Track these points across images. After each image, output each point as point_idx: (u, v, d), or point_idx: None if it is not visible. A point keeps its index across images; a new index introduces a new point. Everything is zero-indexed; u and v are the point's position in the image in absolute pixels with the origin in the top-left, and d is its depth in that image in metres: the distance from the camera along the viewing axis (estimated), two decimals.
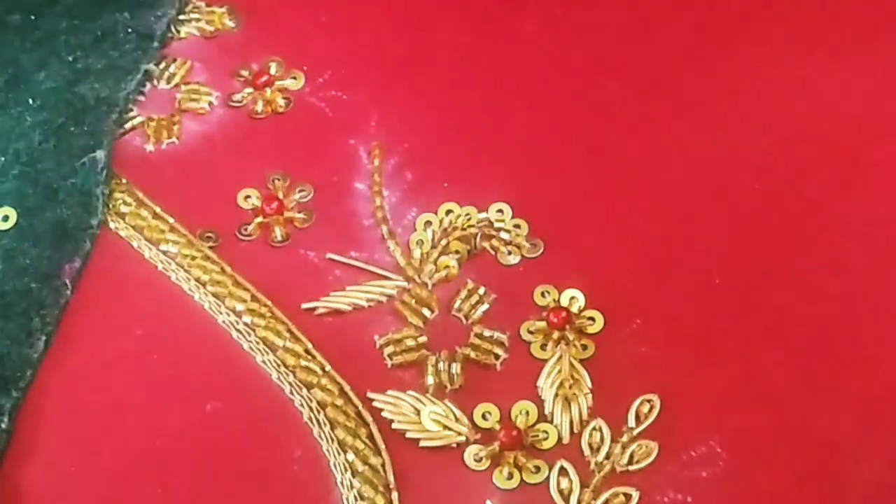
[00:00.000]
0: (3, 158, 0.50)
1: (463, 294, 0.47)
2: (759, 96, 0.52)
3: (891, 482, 0.41)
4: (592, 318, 0.46)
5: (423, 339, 0.46)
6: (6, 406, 0.44)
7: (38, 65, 0.52)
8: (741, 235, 0.48)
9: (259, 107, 0.54)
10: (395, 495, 0.42)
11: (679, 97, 0.53)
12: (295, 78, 0.55)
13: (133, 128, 0.53)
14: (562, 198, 0.50)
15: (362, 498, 0.42)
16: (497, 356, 0.46)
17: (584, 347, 0.46)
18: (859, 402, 0.43)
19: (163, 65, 0.55)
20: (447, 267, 0.48)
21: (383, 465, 0.43)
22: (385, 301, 0.48)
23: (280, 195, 0.51)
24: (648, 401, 0.44)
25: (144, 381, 0.45)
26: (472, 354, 0.46)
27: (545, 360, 0.45)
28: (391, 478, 0.43)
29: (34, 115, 0.51)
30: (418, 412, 0.44)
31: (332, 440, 0.44)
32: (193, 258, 0.49)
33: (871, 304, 0.45)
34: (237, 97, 0.54)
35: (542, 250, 0.49)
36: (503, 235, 0.49)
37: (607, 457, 0.43)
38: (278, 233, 0.50)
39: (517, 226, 0.49)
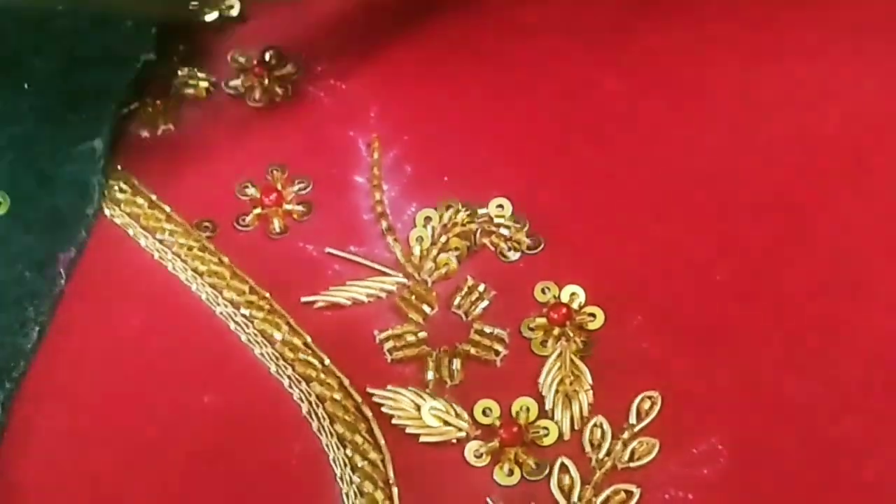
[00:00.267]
0: None
1: (463, 291, 0.47)
2: (760, 91, 0.52)
3: (893, 481, 0.41)
4: (593, 315, 0.46)
5: (423, 334, 0.46)
6: None
7: (34, 50, 0.51)
8: (743, 232, 0.48)
9: (257, 95, 0.53)
10: (394, 491, 0.42)
11: (680, 93, 0.53)
12: (293, 66, 0.54)
13: (129, 113, 0.52)
14: (562, 194, 0.50)
15: (362, 493, 0.42)
16: (497, 352, 0.45)
17: (585, 344, 0.45)
18: (862, 400, 0.43)
19: (160, 51, 0.54)
20: (447, 264, 0.48)
21: (383, 461, 0.43)
22: (385, 297, 0.47)
23: (279, 186, 0.50)
24: (649, 397, 0.44)
25: (140, 373, 0.44)
26: (473, 351, 0.45)
27: (546, 357, 0.45)
28: (391, 473, 0.42)
29: (30, 100, 0.50)
30: (418, 408, 0.44)
31: (332, 435, 0.43)
32: (190, 248, 0.48)
33: (875, 302, 0.45)
34: (235, 84, 0.54)
35: (542, 246, 0.48)
36: (503, 231, 0.49)
37: (608, 454, 0.43)
38: (277, 225, 0.49)
39: (517, 222, 0.49)
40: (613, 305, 0.46)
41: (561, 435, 0.43)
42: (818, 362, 0.44)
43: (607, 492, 0.42)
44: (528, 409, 0.44)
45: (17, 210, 0.47)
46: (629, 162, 0.51)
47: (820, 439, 0.42)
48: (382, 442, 0.43)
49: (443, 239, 0.49)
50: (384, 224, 0.49)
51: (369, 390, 0.44)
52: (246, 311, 0.46)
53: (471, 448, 0.43)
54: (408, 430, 0.43)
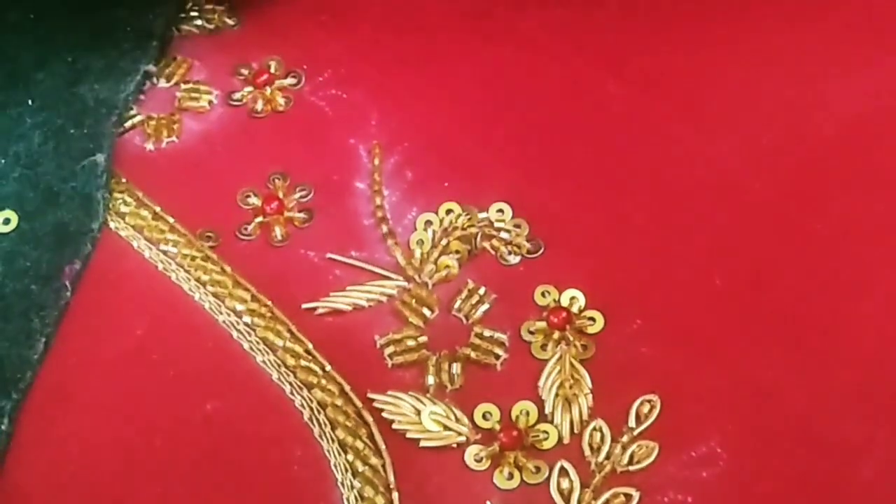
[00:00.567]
0: (2, 160, 0.50)
1: (463, 294, 0.47)
2: (760, 94, 0.52)
3: (891, 482, 0.41)
4: (593, 319, 0.46)
5: (423, 338, 0.46)
6: (6, 408, 0.44)
7: (37, 64, 0.52)
8: (742, 235, 0.48)
9: (259, 105, 0.54)
10: (395, 496, 0.42)
11: (680, 96, 0.52)
12: (295, 77, 0.55)
13: (133, 126, 0.53)
14: (562, 198, 0.50)
15: (363, 498, 0.42)
16: (497, 356, 0.46)
17: (585, 348, 0.45)
18: (860, 403, 0.43)
19: (162, 63, 0.55)
20: (447, 267, 0.48)
21: (384, 466, 0.43)
22: (385, 301, 0.47)
23: (280, 195, 0.51)
24: (649, 401, 0.44)
25: (144, 382, 0.45)
26: (473, 354, 0.46)
27: (545, 361, 0.45)
28: (391, 478, 0.43)
29: (33, 115, 0.50)
30: (419, 412, 0.44)
31: (333, 440, 0.44)
32: (193, 258, 0.49)
33: (873, 304, 0.45)
34: (237, 96, 0.54)
35: (542, 250, 0.48)
36: (503, 235, 0.49)
37: (608, 457, 0.43)
38: (278, 232, 0.50)
39: (517, 225, 0.49)
40: (613, 309, 0.46)
41: (560, 438, 0.43)
42: (817, 365, 0.44)
43: (607, 495, 0.42)
44: (527, 413, 0.44)
45: (25, 226, 0.48)
46: (629, 166, 0.50)
47: (818, 441, 0.42)
48: (383, 447, 0.43)
49: (443, 242, 0.49)
50: (385, 228, 0.49)
51: (370, 395, 0.45)
52: (248, 320, 0.47)
53: (471, 452, 0.43)
54: (408, 435, 0.44)
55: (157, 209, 0.50)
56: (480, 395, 0.45)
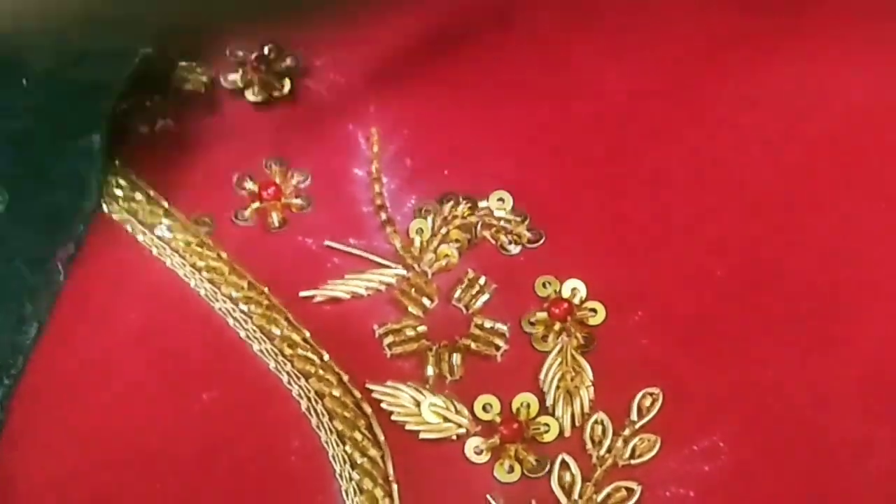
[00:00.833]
0: None
1: (463, 284, 0.47)
2: (761, 89, 0.52)
3: (893, 479, 0.41)
4: (594, 310, 0.46)
5: (422, 328, 0.46)
6: None
7: (31, 44, 0.51)
8: (744, 227, 0.48)
9: (255, 89, 0.53)
10: (394, 488, 0.42)
11: (682, 89, 0.52)
12: (292, 60, 0.54)
13: (127, 108, 0.52)
14: (563, 187, 0.49)
15: (361, 490, 0.42)
16: (498, 347, 0.45)
17: (586, 339, 0.45)
18: (864, 397, 0.43)
19: (158, 45, 0.54)
20: (447, 255, 0.48)
21: (382, 457, 0.42)
22: (384, 290, 0.47)
23: (277, 180, 0.50)
24: (651, 394, 0.44)
25: (139, 369, 0.44)
26: (473, 345, 0.45)
27: (546, 352, 0.45)
28: (390, 470, 0.42)
29: (27, 96, 0.49)
30: (418, 403, 0.44)
31: (331, 431, 0.43)
32: (188, 243, 0.48)
33: (876, 300, 0.45)
34: (233, 78, 0.53)
35: (543, 240, 0.48)
36: (504, 225, 0.48)
37: (609, 450, 0.43)
38: (275, 218, 0.49)
39: (518, 215, 0.49)
40: (615, 301, 0.46)
41: (562, 431, 0.43)
42: (820, 360, 0.44)
43: (608, 489, 0.42)
44: (528, 406, 0.44)
45: (16, 207, 0.47)
46: (631, 157, 0.50)
47: (821, 436, 0.42)
48: (382, 438, 0.43)
49: (443, 231, 0.48)
50: (383, 216, 0.49)
51: (368, 386, 0.44)
52: (245, 307, 0.46)
53: (471, 445, 0.43)
54: (407, 427, 0.43)
55: (151, 193, 0.49)
56: (481, 387, 0.44)
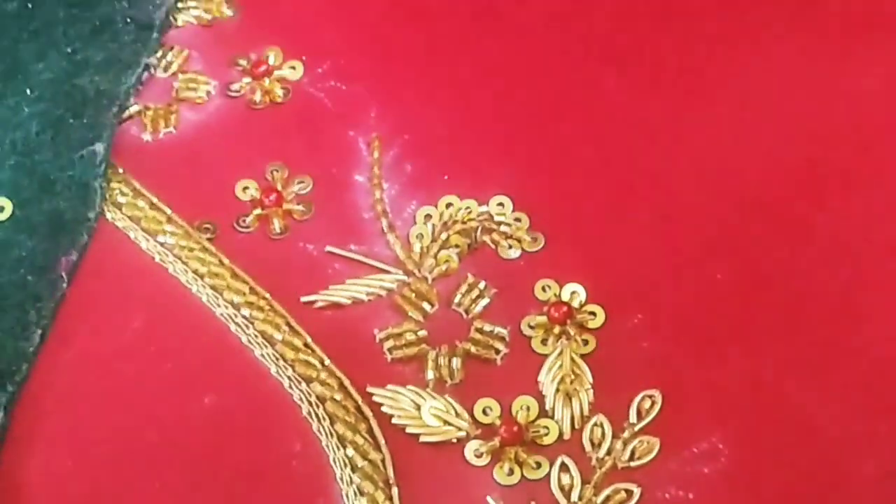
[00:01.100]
0: None
1: (463, 288, 0.47)
2: (762, 90, 0.52)
3: (893, 477, 0.41)
4: (593, 313, 0.46)
5: (423, 333, 0.46)
6: (1, 400, 0.43)
7: (37, 56, 0.51)
8: (743, 230, 0.48)
9: (257, 97, 0.53)
10: (394, 491, 0.42)
11: (681, 91, 0.52)
12: (294, 68, 0.54)
13: (130, 117, 0.52)
14: (563, 191, 0.50)
15: (362, 493, 0.42)
16: (497, 351, 0.45)
17: (586, 342, 0.45)
18: (862, 398, 0.43)
19: (160, 53, 0.54)
20: (447, 261, 0.48)
21: (383, 461, 0.43)
22: (385, 295, 0.47)
23: (279, 187, 0.50)
24: (650, 396, 0.44)
25: (141, 375, 0.45)
26: (473, 349, 0.45)
27: (546, 356, 0.45)
28: (391, 473, 0.42)
29: (32, 105, 0.50)
30: (418, 407, 0.44)
31: (332, 435, 0.43)
32: (191, 250, 0.48)
33: (875, 300, 0.45)
34: (235, 87, 0.54)
35: (542, 244, 0.48)
36: (504, 229, 0.49)
37: (608, 453, 0.43)
38: (277, 225, 0.49)
39: (518, 219, 0.49)
40: (614, 304, 0.46)
41: (561, 434, 0.43)
42: (818, 360, 0.44)
43: (607, 491, 0.42)
44: (528, 408, 0.44)
45: (20, 214, 0.48)
46: (630, 160, 0.50)
47: (820, 437, 0.42)
48: (382, 442, 0.43)
49: (443, 236, 0.49)
50: (384, 222, 0.49)
51: (369, 390, 0.44)
52: (246, 312, 0.46)
53: (471, 447, 0.43)
54: (408, 430, 0.43)
55: (154, 200, 0.50)
56: (481, 390, 0.44)
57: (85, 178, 0.48)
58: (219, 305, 0.47)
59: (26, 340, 0.45)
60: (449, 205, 0.49)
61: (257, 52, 0.55)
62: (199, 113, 0.53)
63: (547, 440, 0.43)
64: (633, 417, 0.43)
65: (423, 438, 0.43)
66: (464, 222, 0.49)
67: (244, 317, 0.46)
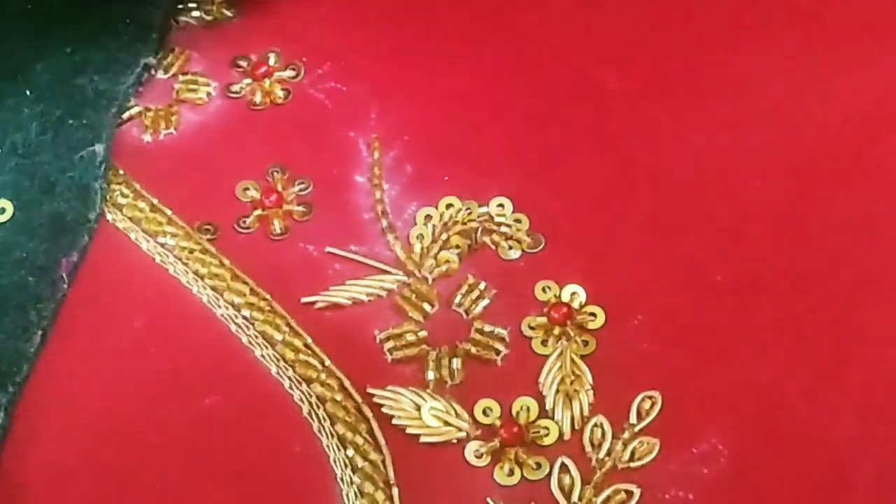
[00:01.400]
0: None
1: (463, 289, 0.47)
2: (760, 91, 0.52)
3: (892, 479, 0.41)
4: (594, 314, 0.46)
5: (423, 333, 0.46)
6: (2, 401, 0.43)
7: (36, 56, 0.51)
8: (743, 231, 0.48)
9: (258, 98, 0.53)
10: (395, 491, 0.42)
11: (681, 92, 0.52)
12: (294, 69, 0.54)
13: (131, 118, 0.52)
14: (563, 192, 0.50)
15: (362, 494, 0.42)
16: (498, 352, 0.45)
17: (586, 343, 0.45)
18: (861, 399, 0.43)
19: (160, 54, 0.54)
20: (447, 261, 0.48)
21: (383, 461, 0.43)
22: (385, 295, 0.47)
23: (279, 188, 0.50)
24: (650, 397, 0.44)
25: (142, 376, 0.45)
26: (473, 350, 0.45)
27: (546, 356, 0.45)
28: (391, 474, 0.42)
29: (32, 106, 0.50)
30: (419, 408, 0.44)
31: (332, 435, 0.43)
32: (191, 251, 0.48)
33: (874, 301, 0.45)
34: (235, 88, 0.54)
35: (542, 245, 0.48)
36: (504, 230, 0.49)
37: (608, 453, 0.43)
38: (277, 226, 0.49)
39: (518, 220, 0.49)
40: (614, 305, 0.46)
41: (561, 435, 0.43)
42: (817, 362, 0.44)
43: (607, 492, 0.42)
44: (528, 409, 0.44)
45: (21, 216, 0.48)
46: (630, 162, 0.50)
47: (819, 438, 0.42)
48: (383, 442, 0.43)
49: (443, 237, 0.49)
50: (384, 223, 0.49)
51: (370, 391, 0.44)
52: (246, 313, 0.47)
53: (471, 448, 0.43)
54: (408, 431, 0.43)
55: (155, 201, 0.50)
56: (481, 391, 0.44)
57: (85, 179, 0.48)
58: (219, 306, 0.47)
59: (27, 341, 0.45)
60: (449, 205, 0.49)
61: (258, 54, 0.55)
62: (199, 114, 0.53)
63: (547, 441, 0.43)
64: (633, 418, 0.43)
65: (423, 439, 0.43)
66: (464, 223, 0.49)
67: (244, 317, 0.46)
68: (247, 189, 0.50)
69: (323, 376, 0.45)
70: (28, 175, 0.49)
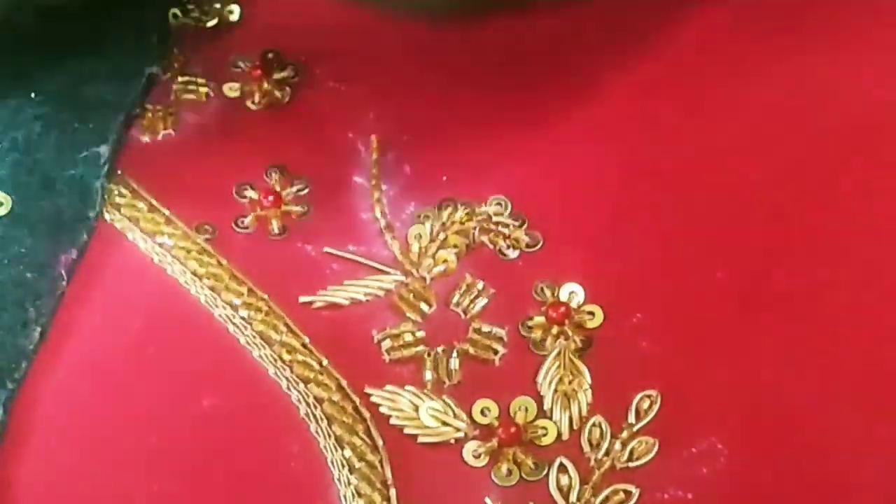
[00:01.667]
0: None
1: (461, 289, 0.47)
2: (761, 87, 0.52)
3: (892, 480, 0.40)
4: (592, 313, 0.46)
5: (421, 333, 0.46)
6: (1, 398, 0.43)
7: (43, 67, 0.51)
8: (743, 230, 0.47)
9: (256, 98, 0.53)
10: (392, 492, 0.42)
11: (681, 92, 0.52)
12: (292, 70, 0.54)
13: (130, 118, 0.52)
14: (561, 192, 0.50)
15: (359, 494, 0.42)
16: (496, 352, 0.45)
17: (584, 342, 0.45)
18: (862, 399, 0.42)
19: (160, 57, 0.55)
20: (445, 261, 0.48)
21: (381, 462, 0.42)
22: (383, 295, 0.47)
23: (277, 188, 0.50)
24: (649, 396, 0.43)
25: (139, 375, 0.45)
26: (471, 350, 0.45)
27: (544, 356, 0.45)
28: (389, 474, 0.42)
29: (36, 108, 0.50)
30: (417, 408, 0.44)
31: (330, 436, 0.43)
32: (189, 251, 0.48)
33: (875, 301, 0.45)
34: (234, 88, 0.54)
35: (541, 244, 0.48)
36: (502, 229, 0.49)
37: (607, 453, 0.43)
38: (275, 226, 0.49)
39: (516, 220, 0.49)
40: (612, 304, 0.46)
41: (559, 435, 0.43)
42: (818, 361, 0.44)
43: (606, 492, 0.42)
44: (526, 409, 0.44)
45: (19, 211, 0.48)
46: (629, 160, 0.50)
47: (820, 438, 0.42)
48: (380, 442, 0.43)
49: (441, 236, 0.49)
50: (382, 222, 0.49)
51: (367, 391, 0.44)
52: (244, 313, 0.46)
53: (469, 448, 0.43)
54: (406, 431, 0.43)
55: (153, 201, 0.50)
56: (479, 391, 0.44)
57: (86, 177, 0.48)
58: (217, 306, 0.47)
59: (26, 338, 0.44)
60: (448, 205, 0.49)
61: (256, 54, 0.55)
62: (198, 115, 0.53)
63: (545, 441, 0.43)
64: (631, 418, 0.43)
65: (421, 439, 0.43)
66: (462, 223, 0.49)
67: (242, 317, 0.46)
68: (245, 189, 0.50)
69: (320, 376, 0.45)
70: (27, 170, 0.48)
